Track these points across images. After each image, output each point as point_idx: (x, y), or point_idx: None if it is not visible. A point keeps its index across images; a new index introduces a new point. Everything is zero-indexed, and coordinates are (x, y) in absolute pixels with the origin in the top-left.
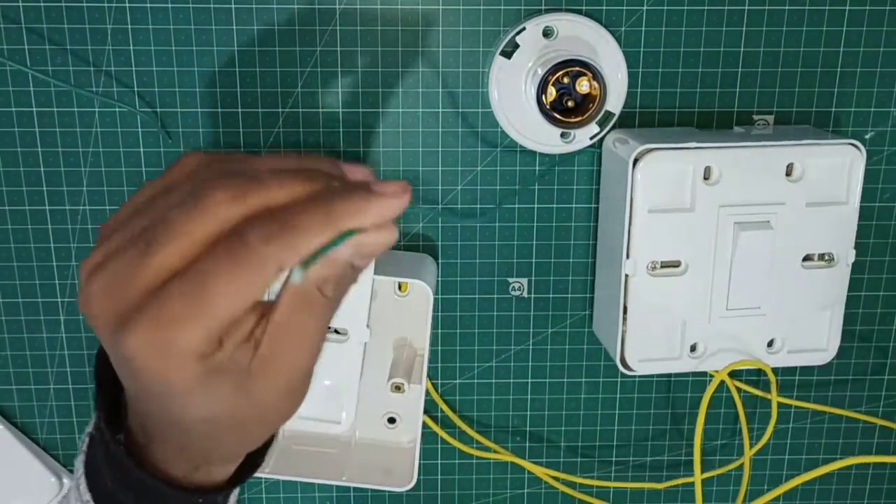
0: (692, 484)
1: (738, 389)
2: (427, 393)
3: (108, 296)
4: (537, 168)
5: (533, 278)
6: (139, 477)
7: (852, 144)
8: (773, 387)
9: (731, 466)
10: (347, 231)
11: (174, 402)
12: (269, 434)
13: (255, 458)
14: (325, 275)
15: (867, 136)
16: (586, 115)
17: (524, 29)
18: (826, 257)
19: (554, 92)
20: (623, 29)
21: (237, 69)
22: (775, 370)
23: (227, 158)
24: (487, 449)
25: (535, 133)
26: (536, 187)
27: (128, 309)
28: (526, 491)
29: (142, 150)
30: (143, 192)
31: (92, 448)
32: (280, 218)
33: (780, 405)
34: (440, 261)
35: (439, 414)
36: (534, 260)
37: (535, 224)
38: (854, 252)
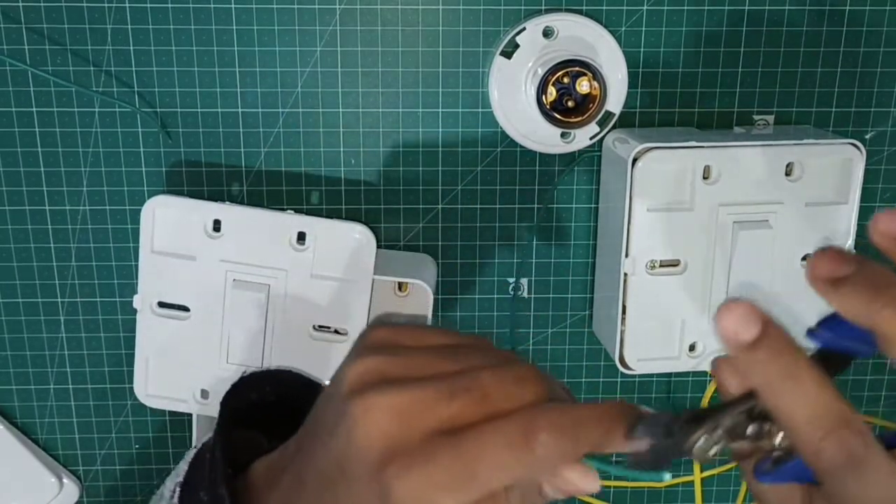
0: (692, 483)
1: None
2: None
3: (396, 420)
4: (537, 168)
5: (533, 278)
6: None
7: (852, 144)
8: None
9: (732, 465)
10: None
11: None
12: None
13: None
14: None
15: (867, 136)
16: (586, 115)
17: (524, 29)
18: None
19: (554, 92)
20: (623, 29)
21: (237, 69)
22: None
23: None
24: None
25: (535, 133)
26: (536, 187)
27: (405, 447)
28: None
29: (142, 150)
30: (437, 334)
31: (195, 471)
32: (570, 423)
33: None
34: (440, 261)
35: None
36: (534, 260)
37: (535, 224)
38: (854, 252)
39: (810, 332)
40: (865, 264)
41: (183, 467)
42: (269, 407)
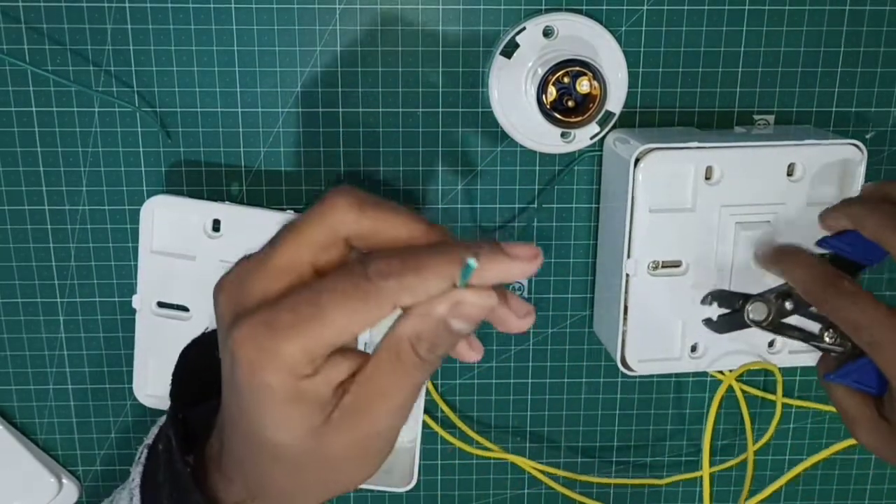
0: (692, 481)
1: (743, 392)
2: (427, 393)
3: (235, 286)
4: (537, 168)
5: (533, 278)
6: (197, 500)
7: (853, 144)
8: (780, 388)
9: (734, 462)
10: (465, 268)
11: (253, 412)
12: (324, 499)
13: None
14: (420, 330)
15: (868, 136)
16: (586, 115)
17: (524, 29)
18: (827, 257)
19: (554, 92)
20: (623, 29)
21: (237, 69)
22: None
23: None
24: (487, 449)
25: (535, 133)
26: (536, 187)
27: (247, 306)
28: (526, 491)
29: (141, 149)
30: None
31: (152, 461)
32: (403, 257)
33: (782, 405)
34: None
35: (439, 414)
36: None
37: (535, 224)
38: None
39: (822, 241)
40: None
41: (153, 432)
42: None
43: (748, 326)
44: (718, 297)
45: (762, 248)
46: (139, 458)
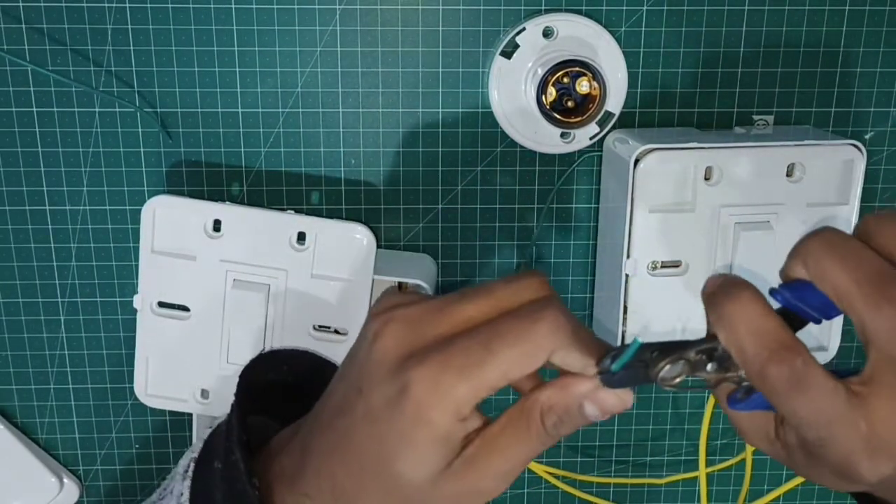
0: (692, 480)
1: None
2: None
3: (408, 326)
4: (537, 168)
5: None
6: None
7: (852, 145)
8: None
9: (733, 461)
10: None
11: (394, 443)
12: None
13: None
14: (555, 402)
15: (867, 136)
16: (586, 115)
17: (524, 29)
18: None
19: (554, 92)
20: (623, 29)
21: (237, 69)
22: None
23: None
24: None
25: (535, 133)
26: (536, 187)
27: (421, 345)
28: (526, 490)
29: (142, 150)
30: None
31: (206, 478)
32: (575, 320)
33: None
34: (440, 261)
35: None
36: (534, 260)
37: (535, 224)
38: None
39: (772, 291)
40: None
41: (198, 445)
42: (282, 390)
43: (649, 382)
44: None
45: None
46: (185, 471)
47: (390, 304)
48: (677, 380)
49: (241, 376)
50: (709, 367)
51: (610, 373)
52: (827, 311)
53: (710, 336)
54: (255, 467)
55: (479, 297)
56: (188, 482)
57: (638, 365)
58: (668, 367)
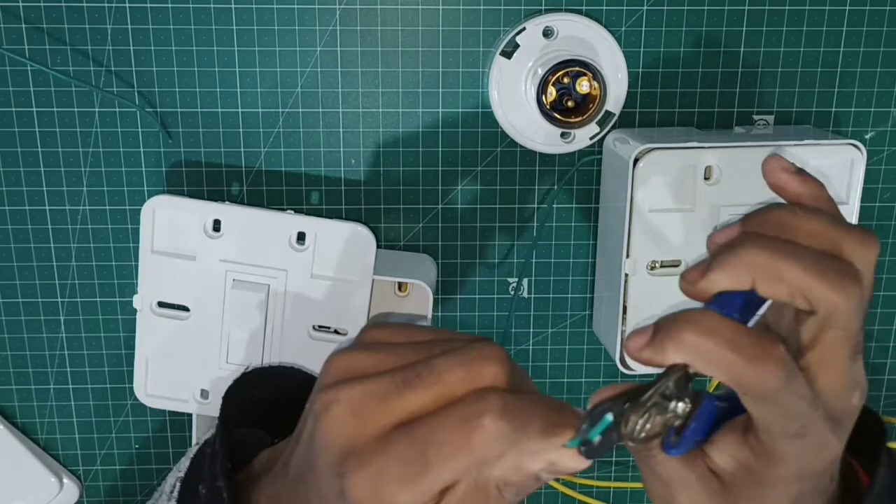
0: None
1: None
2: None
3: (352, 413)
4: (537, 168)
5: (533, 278)
6: None
7: (852, 144)
8: None
9: None
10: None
11: None
12: None
13: None
14: (511, 479)
15: (867, 136)
16: (586, 115)
17: (524, 29)
18: None
19: (554, 92)
20: (623, 29)
21: (237, 69)
22: None
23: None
24: None
25: (535, 133)
26: (536, 187)
27: (362, 442)
28: None
29: (142, 150)
30: (430, 332)
31: (190, 501)
32: (521, 414)
33: None
34: (440, 261)
35: None
36: (534, 260)
37: (535, 224)
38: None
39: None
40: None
41: (185, 463)
42: (274, 404)
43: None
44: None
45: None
46: (172, 491)
47: (336, 376)
48: (646, 432)
49: (224, 398)
50: (678, 406)
51: (590, 443)
52: (748, 312)
53: (664, 373)
54: (240, 495)
55: (425, 385)
56: (172, 503)
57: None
58: (639, 423)
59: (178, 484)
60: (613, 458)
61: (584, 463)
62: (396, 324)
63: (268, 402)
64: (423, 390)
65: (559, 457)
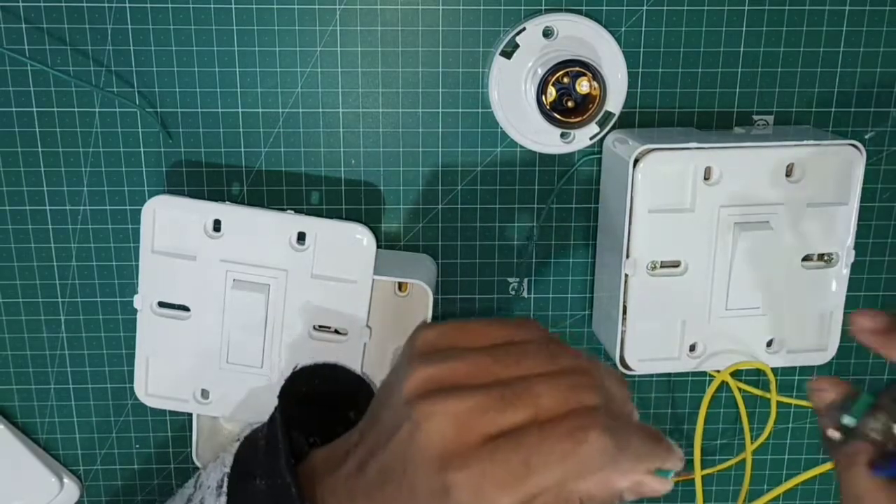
0: (692, 482)
1: (739, 389)
2: None
3: (456, 426)
4: (537, 168)
5: (533, 278)
6: None
7: (852, 145)
8: (773, 387)
9: (732, 462)
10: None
11: None
12: None
13: None
14: (595, 494)
15: (867, 136)
16: (586, 115)
17: (524, 29)
18: (826, 257)
19: (554, 92)
20: (623, 29)
21: (237, 69)
22: (775, 370)
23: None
24: None
25: (535, 133)
26: (536, 187)
27: (465, 448)
28: None
29: (142, 150)
30: (484, 331)
31: (246, 495)
32: (619, 435)
33: (779, 405)
34: (440, 261)
35: None
36: (534, 260)
37: (535, 224)
38: (854, 252)
39: (876, 468)
40: None
41: (228, 458)
42: (323, 400)
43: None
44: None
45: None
46: (219, 486)
47: (431, 385)
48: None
49: (281, 394)
50: None
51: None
52: None
53: None
54: (304, 492)
55: (526, 406)
56: (224, 498)
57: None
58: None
59: (225, 479)
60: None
61: (668, 486)
62: (446, 324)
63: (319, 399)
64: (522, 410)
65: (648, 479)
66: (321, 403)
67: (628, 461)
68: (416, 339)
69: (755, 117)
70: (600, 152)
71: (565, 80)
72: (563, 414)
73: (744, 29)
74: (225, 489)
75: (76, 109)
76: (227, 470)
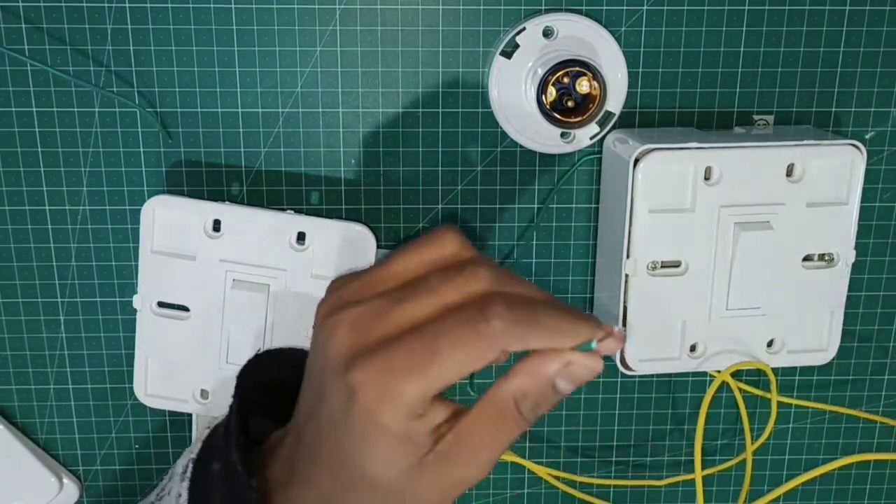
0: (692, 482)
1: (739, 389)
2: None
3: (353, 329)
4: (537, 168)
5: (533, 278)
6: None
7: (852, 145)
8: (773, 387)
9: (733, 462)
10: (584, 344)
11: (357, 447)
12: None
13: None
14: (526, 388)
15: (867, 136)
16: (586, 115)
17: (524, 29)
18: (826, 257)
19: (554, 92)
20: (623, 29)
21: (237, 69)
22: (775, 370)
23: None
24: None
25: (535, 133)
26: (536, 187)
27: (365, 347)
28: (526, 491)
29: (142, 150)
30: (397, 258)
31: (205, 480)
32: (525, 307)
33: (780, 405)
34: None
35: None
36: (534, 260)
37: (535, 224)
38: (854, 252)
39: None
40: None
41: (197, 445)
42: (279, 389)
43: None
44: None
45: None
46: (184, 472)
47: (333, 307)
48: None
49: (239, 376)
50: None
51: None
52: None
53: None
54: (255, 470)
55: (420, 297)
56: (186, 483)
57: None
58: None
59: (190, 464)
60: (614, 458)
61: (599, 363)
62: (360, 270)
63: (282, 384)
64: (418, 301)
65: (575, 356)
66: (291, 389)
67: (540, 337)
68: (330, 284)
69: (755, 117)
70: (600, 152)
71: (565, 79)
72: (463, 300)
73: (744, 29)
74: (188, 474)
75: (76, 109)
76: (194, 456)
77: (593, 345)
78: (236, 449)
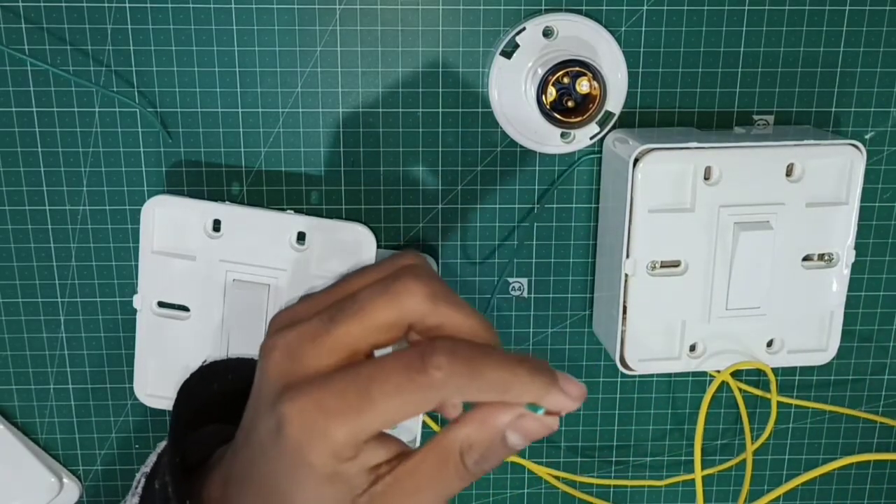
0: (692, 482)
1: (739, 389)
2: None
3: (287, 355)
4: (537, 168)
5: (533, 278)
6: None
7: (852, 145)
8: (773, 387)
9: (733, 462)
10: (531, 404)
11: (284, 482)
12: None
13: None
14: (475, 439)
15: (867, 136)
16: (586, 115)
17: (524, 29)
18: (826, 257)
19: (554, 92)
20: (623, 29)
21: (237, 69)
22: (775, 370)
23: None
24: None
25: (535, 133)
26: (536, 187)
27: (298, 377)
28: (526, 491)
29: (142, 150)
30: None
31: (148, 496)
32: (467, 356)
33: (780, 405)
34: (440, 261)
35: (439, 414)
36: (534, 260)
37: (535, 224)
38: (854, 252)
39: None
40: None
41: (151, 458)
42: (234, 397)
43: None
44: None
45: None
46: (136, 486)
47: (277, 326)
48: None
49: (179, 392)
50: None
51: None
52: None
53: None
54: (193, 489)
55: (347, 316)
56: (136, 498)
57: None
58: None
59: (142, 479)
60: (614, 458)
61: (554, 422)
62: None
63: (227, 396)
64: (347, 322)
65: (526, 413)
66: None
67: (483, 391)
68: (274, 317)
69: (755, 117)
70: (600, 152)
71: (565, 79)
72: (386, 325)
73: (744, 29)
74: (139, 490)
75: (76, 109)
76: (147, 470)
77: (541, 410)
78: (168, 469)
